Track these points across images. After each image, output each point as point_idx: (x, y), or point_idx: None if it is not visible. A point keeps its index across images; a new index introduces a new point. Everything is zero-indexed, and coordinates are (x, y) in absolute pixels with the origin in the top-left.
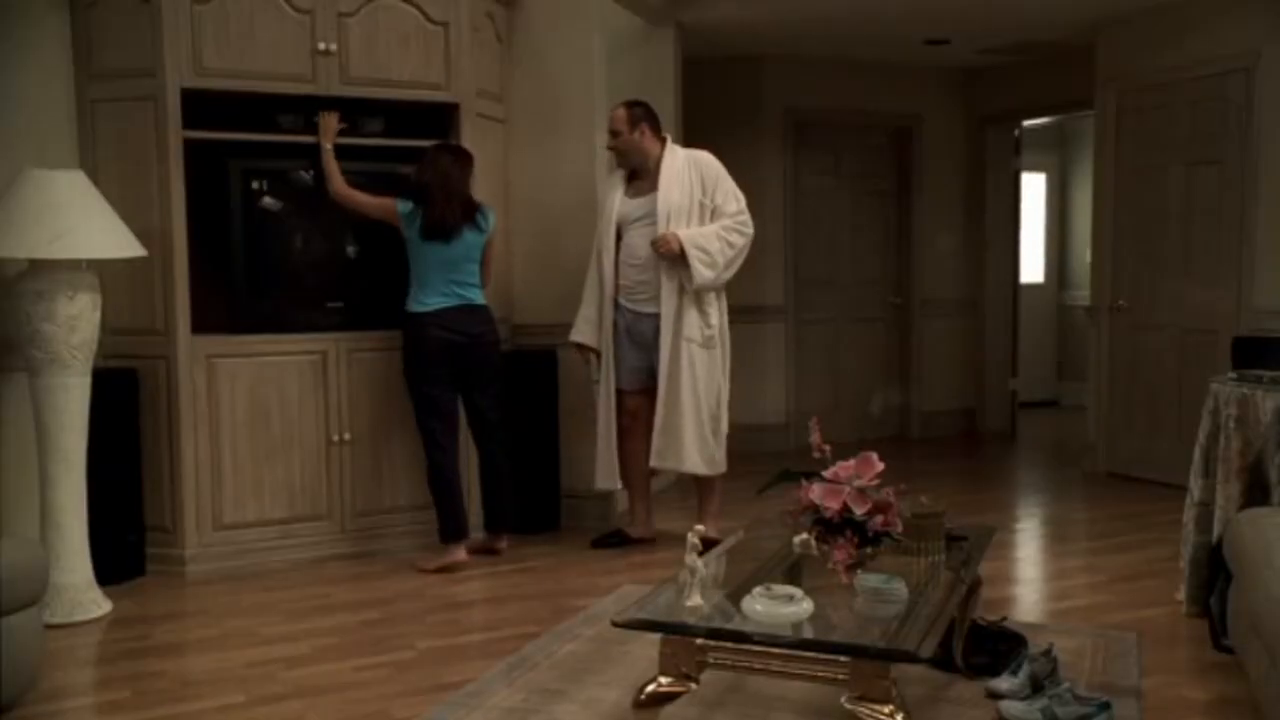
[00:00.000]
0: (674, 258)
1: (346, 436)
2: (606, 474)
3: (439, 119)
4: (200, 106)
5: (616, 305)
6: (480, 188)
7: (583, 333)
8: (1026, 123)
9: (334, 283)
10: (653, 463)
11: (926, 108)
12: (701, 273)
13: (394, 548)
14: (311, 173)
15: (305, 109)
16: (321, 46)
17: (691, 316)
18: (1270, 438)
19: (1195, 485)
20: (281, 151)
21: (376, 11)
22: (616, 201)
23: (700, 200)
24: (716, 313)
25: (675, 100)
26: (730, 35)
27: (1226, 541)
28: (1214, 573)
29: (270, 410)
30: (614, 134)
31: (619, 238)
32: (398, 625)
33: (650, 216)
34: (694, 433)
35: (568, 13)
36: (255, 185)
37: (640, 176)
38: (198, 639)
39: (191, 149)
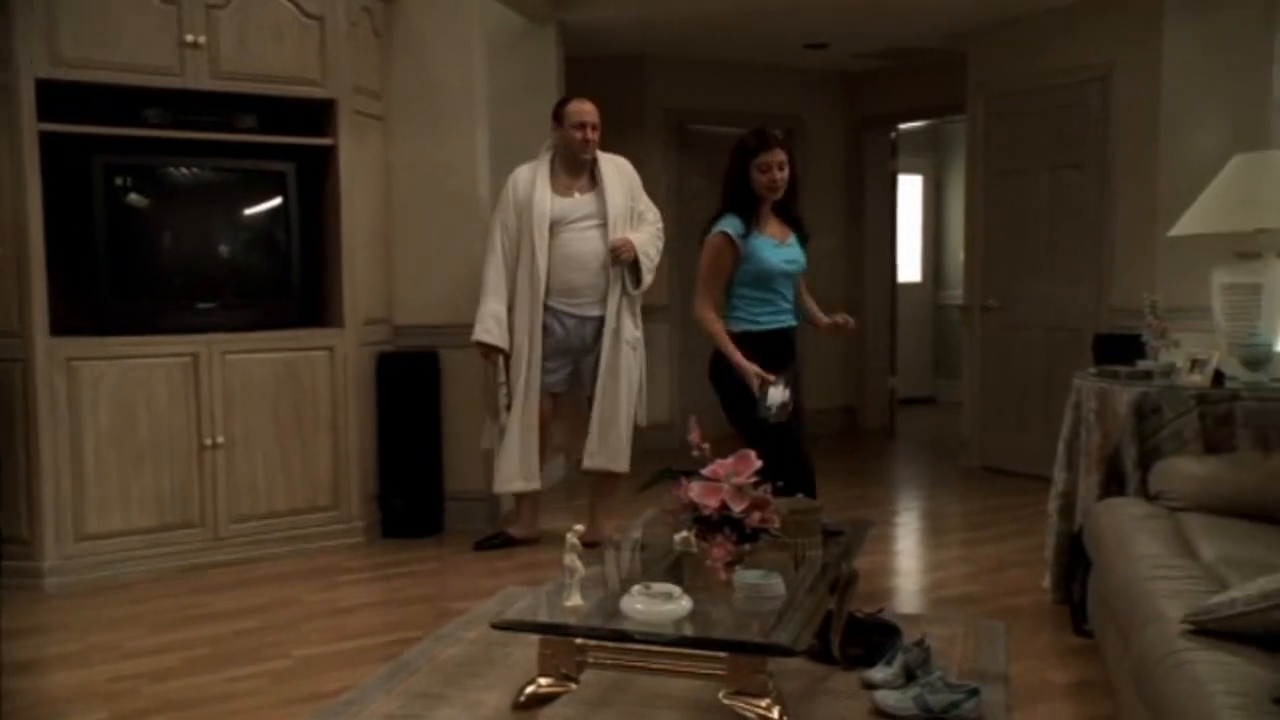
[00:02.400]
0: (630, 263)
1: (220, 440)
2: (523, 476)
3: (316, 116)
4: (59, 98)
5: (546, 308)
6: (359, 186)
7: (491, 333)
8: (903, 126)
9: (206, 283)
10: (586, 464)
11: (807, 110)
12: (646, 278)
13: (273, 554)
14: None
15: (173, 103)
16: (189, 39)
17: (627, 319)
18: (1126, 430)
19: (1059, 477)
20: (148, 147)
21: (248, 4)
22: (548, 199)
23: (631, 205)
24: (639, 315)
25: (558, 99)
26: (612, 35)
27: (1086, 530)
28: (1076, 560)
29: (137, 414)
30: (595, 128)
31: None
32: (274, 634)
33: (592, 218)
34: (626, 433)
35: (447, 9)
36: (119, 182)
37: (575, 175)
38: (57, 655)
39: (50, 143)
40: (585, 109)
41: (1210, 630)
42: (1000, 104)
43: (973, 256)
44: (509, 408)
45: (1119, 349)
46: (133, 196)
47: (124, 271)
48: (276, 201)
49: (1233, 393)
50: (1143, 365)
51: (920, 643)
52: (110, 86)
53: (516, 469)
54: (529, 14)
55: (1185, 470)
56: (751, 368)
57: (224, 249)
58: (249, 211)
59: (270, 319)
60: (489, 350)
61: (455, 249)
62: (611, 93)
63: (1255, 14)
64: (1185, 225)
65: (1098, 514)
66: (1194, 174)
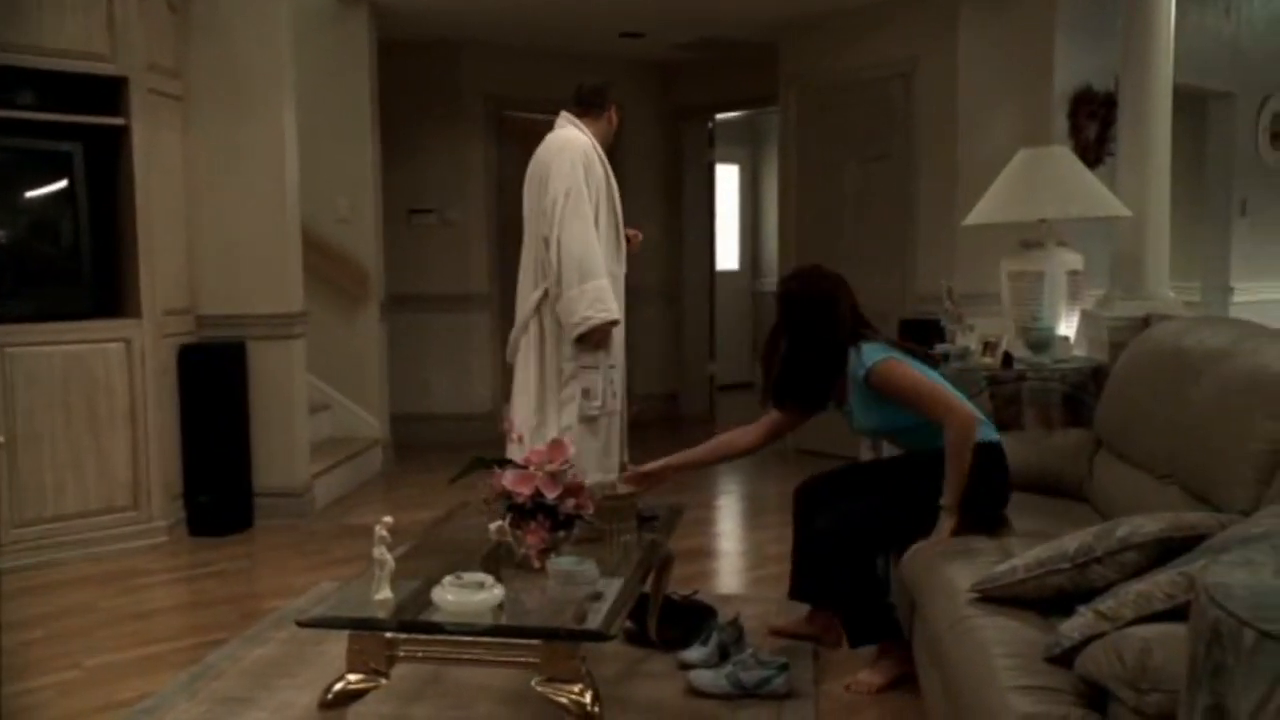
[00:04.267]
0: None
1: None
2: (605, 469)
3: (108, 94)
4: None
5: None
6: (157, 169)
7: (618, 311)
8: (719, 116)
9: None
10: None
11: (625, 99)
12: None
13: (64, 559)
14: None
15: None
16: None
17: None
18: None
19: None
20: None
21: None
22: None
23: None
24: None
25: (370, 83)
26: (428, 18)
27: None
28: None
29: None
30: None
31: None
32: (63, 643)
33: None
34: None
35: None
36: None
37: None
38: None
39: None
40: None
41: (994, 597)
42: (811, 97)
43: (787, 245)
44: (615, 395)
45: (921, 333)
46: None
47: None
48: (62, 184)
49: (1019, 373)
50: (941, 348)
51: (734, 621)
52: None
53: (600, 461)
54: None
55: None
56: None
57: (0, 234)
58: (30, 194)
59: (57, 309)
60: (608, 329)
61: (263, 235)
62: (428, 78)
63: (1040, 15)
64: (977, 215)
65: None
66: (988, 166)
